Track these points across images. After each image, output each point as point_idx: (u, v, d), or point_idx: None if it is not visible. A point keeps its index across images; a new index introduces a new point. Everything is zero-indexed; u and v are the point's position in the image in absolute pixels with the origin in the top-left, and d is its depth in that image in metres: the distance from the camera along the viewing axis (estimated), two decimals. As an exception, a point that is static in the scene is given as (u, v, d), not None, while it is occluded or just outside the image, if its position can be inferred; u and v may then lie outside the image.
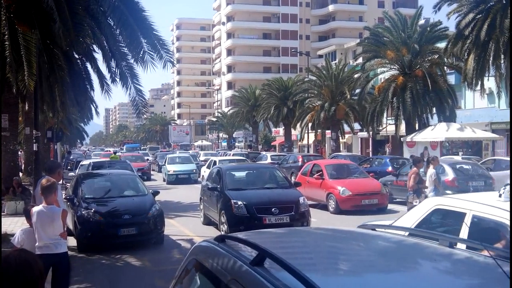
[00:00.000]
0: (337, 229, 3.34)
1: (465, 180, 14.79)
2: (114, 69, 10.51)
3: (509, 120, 19.09)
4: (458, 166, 15.80)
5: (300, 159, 26.32)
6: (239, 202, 10.30)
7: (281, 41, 79.93)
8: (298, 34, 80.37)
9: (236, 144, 66.33)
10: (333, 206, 14.60)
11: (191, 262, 2.87)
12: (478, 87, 23.11)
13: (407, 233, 3.18)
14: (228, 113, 64.84)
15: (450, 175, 14.74)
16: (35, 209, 5.63)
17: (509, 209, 3.99)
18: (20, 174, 19.17)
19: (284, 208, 10.31)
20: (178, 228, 12.41)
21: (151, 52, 9.39)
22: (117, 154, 34.53)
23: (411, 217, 5.12)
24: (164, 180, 26.93)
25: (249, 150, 51.21)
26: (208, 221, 12.39)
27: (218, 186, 11.40)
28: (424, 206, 5.12)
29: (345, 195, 14.37)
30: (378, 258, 2.51)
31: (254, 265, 2.15)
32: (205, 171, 22.46)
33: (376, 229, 3.04)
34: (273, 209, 10.15)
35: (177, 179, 25.36)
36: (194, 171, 26.21)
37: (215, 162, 21.64)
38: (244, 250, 2.46)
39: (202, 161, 33.09)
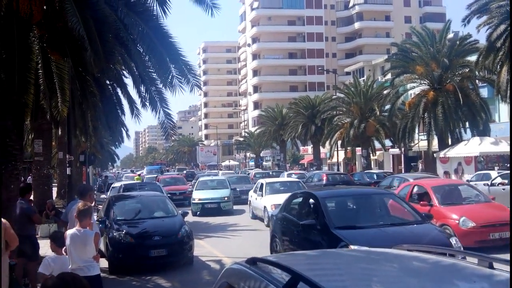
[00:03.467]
0: (371, 251, 3.25)
1: None
2: (144, 94, 10.74)
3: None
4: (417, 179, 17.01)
5: (325, 178, 25.82)
6: None
7: (307, 60, 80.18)
8: (324, 52, 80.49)
9: (264, 163, 66.33)
10: None
11: (223, 285, 2.83)
12: (513, 100, 22.43)
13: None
14: (255, 132, 65.16)
15: None
16: (69, 232, 5.73)
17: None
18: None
19: None
20: (208, 249, 12.38)
21: (179, 77, 9.56)
22: (141, 175, 35.35)
23: None
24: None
25: (277, 168, 51.11)
26: None
27: (316, 223, 7.98)
28: None
29: (467, 227, 10.66)
30: (413, 280, 2.42)
31: (287, 289, 2.10)
32: (251, 196, 19.07)
33: (412, 250, 2.94)
34: None
35: (203, 210, 20.04)
36: (225, 198, 20.46)
37: (262, 185, 18.27)
38: (276, 273, 2.42)
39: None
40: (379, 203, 8.98)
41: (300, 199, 9.64)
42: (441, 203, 11.63)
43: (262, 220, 16.82)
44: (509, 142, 24.21)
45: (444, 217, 11.15)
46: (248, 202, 19.47)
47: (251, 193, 19.61)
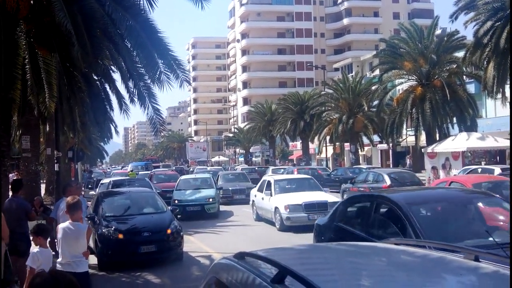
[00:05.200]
0: (359, 245, 3.28)
1: (398, 186, 15.59)
2: (132, 89, 10.69)
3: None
4: (393, 174, 17.69)
5: (296, 173, 25.73)
6: None
7: (296, 56, 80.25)
8: (313, 48, 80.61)
9: (254, 159, 66.33)
10: None
11: (211, 280, 2.84)
12: (499, 95, 22.74)
13: None
14: (245, 128, 65.15)
15: (387, 181, 16.55)
16: (61, 225, 5.66)
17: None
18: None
19: None
20: (197, 244, 12.37)
21: (167, 72, 9.50)
22: (134, 171, 34.88)
23: None
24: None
25: (266, 164, 51.14)
26: None
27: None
28: None
29: None
30: (401, 273, 2.45)
31: (275, 283, 2.12)
32: (255, 195, 16.85)
33: (399, 244, 2.97)
34: None
35: (184, 213, 16.87)
36: (210, 200, 17.81)
37: (269, 183, 16.04)
38: (264, 267, 2.43)
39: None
40: (475, 210, 6.43)
41: (366, 205, 6.83)
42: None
43: (270, 222, 15.01)
44: (495, 137, 24.52)
45: (491, 219, 8.13)
46: (251, 202, 17.34)
47: (254, 192, 17.38)
